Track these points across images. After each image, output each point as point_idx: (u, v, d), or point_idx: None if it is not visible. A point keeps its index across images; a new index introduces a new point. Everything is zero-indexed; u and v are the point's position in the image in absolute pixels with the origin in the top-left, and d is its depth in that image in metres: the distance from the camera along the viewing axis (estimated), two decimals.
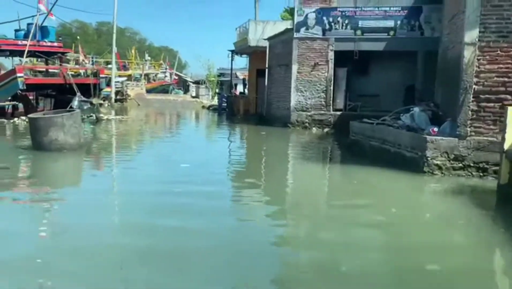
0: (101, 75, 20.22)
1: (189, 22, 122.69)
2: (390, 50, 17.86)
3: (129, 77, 43.66)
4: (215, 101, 36.61)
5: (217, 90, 45.77)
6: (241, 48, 25.74)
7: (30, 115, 11.05)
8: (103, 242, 4.93)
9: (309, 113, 18.60)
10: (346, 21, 18.05)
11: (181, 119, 26.03)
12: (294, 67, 18.58)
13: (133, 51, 45.78)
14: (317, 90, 18.54)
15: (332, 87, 18.51)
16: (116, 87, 36.27)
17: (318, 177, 9.56)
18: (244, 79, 35.19)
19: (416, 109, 11.77)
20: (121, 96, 35.39)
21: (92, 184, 8.35)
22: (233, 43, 27.12)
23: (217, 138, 17.16)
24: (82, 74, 20.37)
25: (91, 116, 19.45)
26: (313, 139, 15.95)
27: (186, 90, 48.29)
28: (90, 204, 6.64)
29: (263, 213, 6.46)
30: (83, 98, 18.60)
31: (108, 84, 33.92)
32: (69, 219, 5.92)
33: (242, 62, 62.17)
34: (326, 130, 18.20)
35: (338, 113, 18.52)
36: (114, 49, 32.55)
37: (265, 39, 22.27)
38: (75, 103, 18.31)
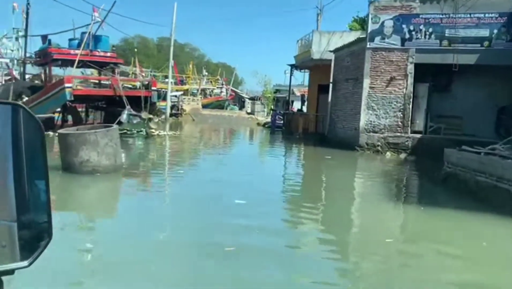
0: (153, 88, 18.62)
1: (247, 39, 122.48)
2: (485, 64, 14.81)
3: (186, 92, 42.84)
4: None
5: (272, 107, 43.77)
6: (303, 61, 23.46)
7: (60, 130, 9.32)
8: None
9: (382, 135, 15.85)
10: (430, 30, 15.26)
11: (235, 137, 24.01)
12: (366, 82, 15.97)
13: (190, 65, 44.94)
14: (393, 108, 15.77)
15: (411, 106, 15.68)
16: (172, 102, 35.27)
17: (411, 224, 6.90)
18: (302, 95, 32.84)
19: None
20: (176, 111, 34.27)
21: (122, 220, 6.34)
22: (294, 56, 24.92)
23: (275, 162, 14.68)
24: (138, 86, 18.88)
25: (141, 131, 17.89)
26: (391, 167, 13.19)
27: (241, 106, 46.76)
28: (114, 248, 4.81)
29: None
30: (133, 112, 17.06)
31: (164, 98, 32.98)
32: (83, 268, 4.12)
33: (299, 78, 59.89)
34: (402, 155, 15.36)
35: (418, 136, 15.63)
36: (171, 62, 31.40)
37: (330, 51, 19.87)
38: (124, 116, 16.81)
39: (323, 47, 21.03)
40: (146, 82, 18.93)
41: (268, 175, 11.36)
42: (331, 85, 19.92)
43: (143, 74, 35.59)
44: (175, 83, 45.38)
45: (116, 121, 17.06)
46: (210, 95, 47.74)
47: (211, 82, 50.26)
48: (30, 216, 1.01)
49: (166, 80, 43.76)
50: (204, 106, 39.76)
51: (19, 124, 0.99)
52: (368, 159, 15.04)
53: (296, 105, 35.84)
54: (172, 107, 34.14)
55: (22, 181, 0.99)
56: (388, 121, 15.82)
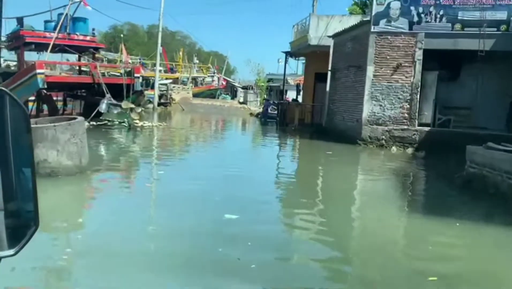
0: (136, 75, 16.87)
1: (240, 26, 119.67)
2: (501, 50, 13.36)
3: (176, 80, 41.03)
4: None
5: (265, 96, 42.08)
6: (299, 48, 21.85)
7: None
8: None
9: (386, 128, 14.40)
10: (441, 12, 13.74)
11: (226, 129, 22.36)
12: (370, 69, 14.46)
13: (180, 52, 43.05)
14: (399, 98, 14.31)
15: (418, 96, 14.22)
16: (161, 90, 33.48)
17: (454, 251, 5.37)
18: (298, 85, 31.26)
19: None
20: (165, 100, 32.50)
21: (85, 235, 4.87)
22: (289, 42, 23.30)
23: (270, 159, 12.98)
24: (123, 73, 16.99)
25: (123, 122, 16.23)
26: (399, 164, 11.73)
27: (233, 96, 45.04)
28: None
29: None
30: (113, 101, 15.38)
31: (153, 87, 31.24)
32: None
33: (292, 67, 57.79)
34: (409, 150, 13.94)
35: (425, 129, 14.20)
36: (159, 48, 29.57)
37: (329, 37, 18.28)
38: (103, 106, 15.12)
39: (321, 32, 19.43)
40: (129, 69, 17.17)
41: (263, 174, 9.78)
42: (329, 73, 18.41)
43: (130, 61, 33.72)
44: (165, 71, 43.48)
45: (95, 112, 15.48)
46: (202, 84, 45.93)
47: (202, 70, 48.40)
48: (16, 204, 0.99)
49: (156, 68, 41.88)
50: (195, 95, 38.01)
51: (5, 110, 0.96)
52: (372, 154, 13.60)
53: (291, 95, 34.28)
54: (160, 96, 32.37)
55: (9, 169, 0.96)
56: (393, 112, 14.36)
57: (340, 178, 9.57)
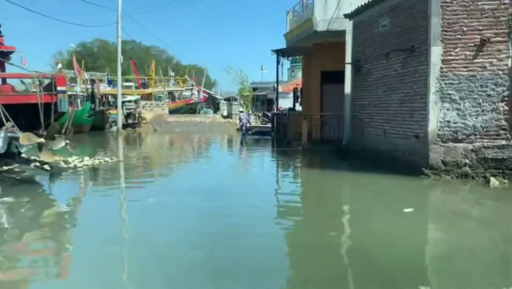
0: (59, 88, 10.50)
1: (219, 36, 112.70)
2: None
3: (150, 96, 34.79)
4: (254, 122, 26.85)
5: (250, 107, 35.98)
6: (298, 39, 15.82)
7: None
8: None
9: (471, 146, 8.42)
10: None
11: (206, 157, 15.80)
12: (435, 52, 8.49)
13: (152, 65, 36.79)
14: (489, 96, 8.35)
15: None
16: (128, 109, 27.18)
17: None
18: (295, 90, 25.23)
19: None
20: (133, 120, 26.15)
21: None
22: (284, 34, 17.29)
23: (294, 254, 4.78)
24: (39, 88, 10.54)
25: (44, 163, 9.87)
26: None
27: (216, 109, 38.85)
28: None
29: None
30: (16, 133, 9.07)
31: (111, 106, 25.07)
32: None
33: (272, 74, 51.58)
34: None
35: None
36: (120, 57, 23.31)
37: (346, 16, 12.31)
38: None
39: (331, 13, 13.49)
40: (46, 80, 10.76)
41: None
42: (348, 68, 12.42)
43: (86, 77, 27.36)
44: (136, 87, 37.21)
45: None
46: (179, 98, 39.73)
47: (178, 82, 42.18)
48: None
49: (126, 83, 35.75)
50: (172, 112, 31.79)
51: None
52: (466, 194, 7.60)
53: (283, 104, 28.26)
54: (128, 116, 26.05)
55: None
56: (481, 120, 8.39)
57: None
